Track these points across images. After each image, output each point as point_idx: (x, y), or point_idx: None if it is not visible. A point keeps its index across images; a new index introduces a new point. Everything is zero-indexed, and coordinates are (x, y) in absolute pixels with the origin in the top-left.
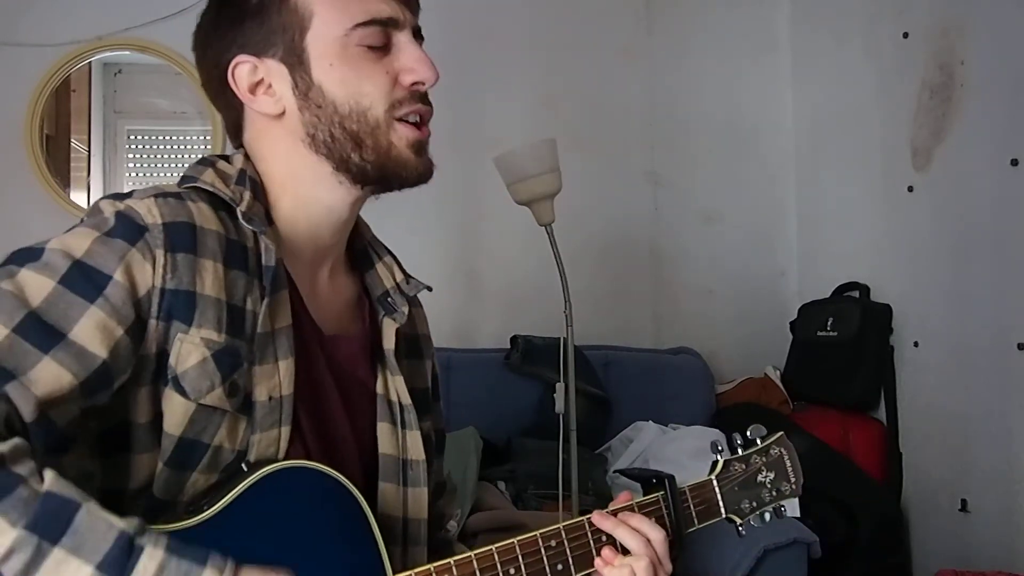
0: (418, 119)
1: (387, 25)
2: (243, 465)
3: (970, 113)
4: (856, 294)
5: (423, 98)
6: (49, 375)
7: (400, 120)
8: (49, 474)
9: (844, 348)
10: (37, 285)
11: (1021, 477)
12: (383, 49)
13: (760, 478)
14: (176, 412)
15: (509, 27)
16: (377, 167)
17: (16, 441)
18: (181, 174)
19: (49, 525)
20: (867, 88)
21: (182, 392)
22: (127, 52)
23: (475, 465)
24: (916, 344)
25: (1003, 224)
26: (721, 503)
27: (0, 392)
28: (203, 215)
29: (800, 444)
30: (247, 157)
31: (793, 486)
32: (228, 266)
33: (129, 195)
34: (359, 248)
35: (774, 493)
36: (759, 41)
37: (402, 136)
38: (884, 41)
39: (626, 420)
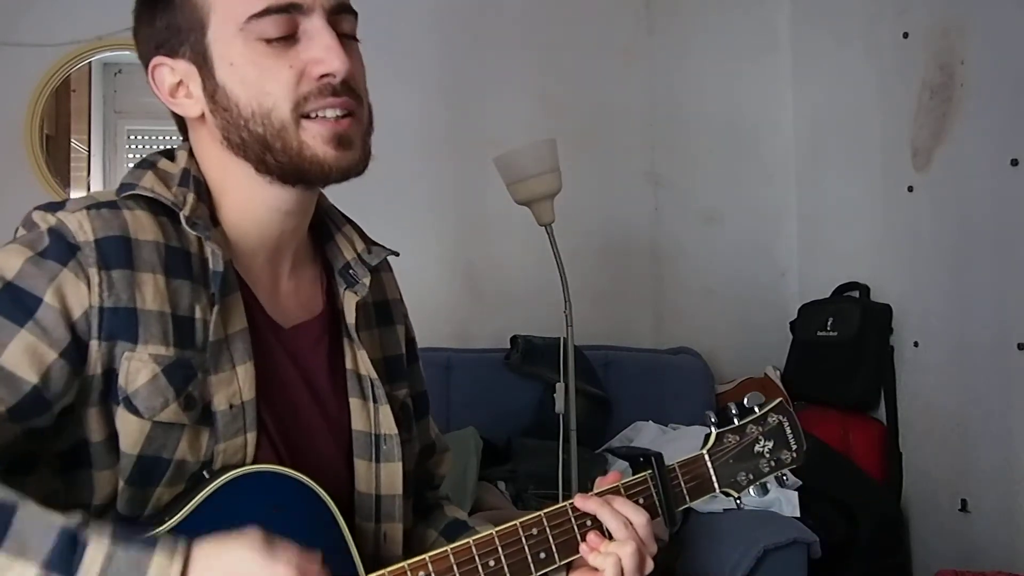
0: (337, 113)
1: (289, 11)
2: (204, 473)
3: (970, 113)
4: (856, 294)
5: (339, 90)
6: None
7: (308, 117)
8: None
9: (844, 348)
10: None
11: (1021, 477)
12: (288, 40)
13: (757, 448)
14: (131, 431)
15: (509, 27)
16: (293, 168)
17: None
18: (121, 179)
19: None
20: (867, 88)
21: (135, 411)
22: (127, 52)
23: (475, 465)
24: (916, 344)
25: (1003, 224)
26: (714, 478)
27: None
28: (139, 224)
29: None
30: (191, 154)
31: (795, 453)
32: (170, 276)
33: (62, 205)
34: (315, 222)
35: (773, 463)
36: (759, 41)
37: (314, 134)
38: (884, 41)
39: (626, 420)
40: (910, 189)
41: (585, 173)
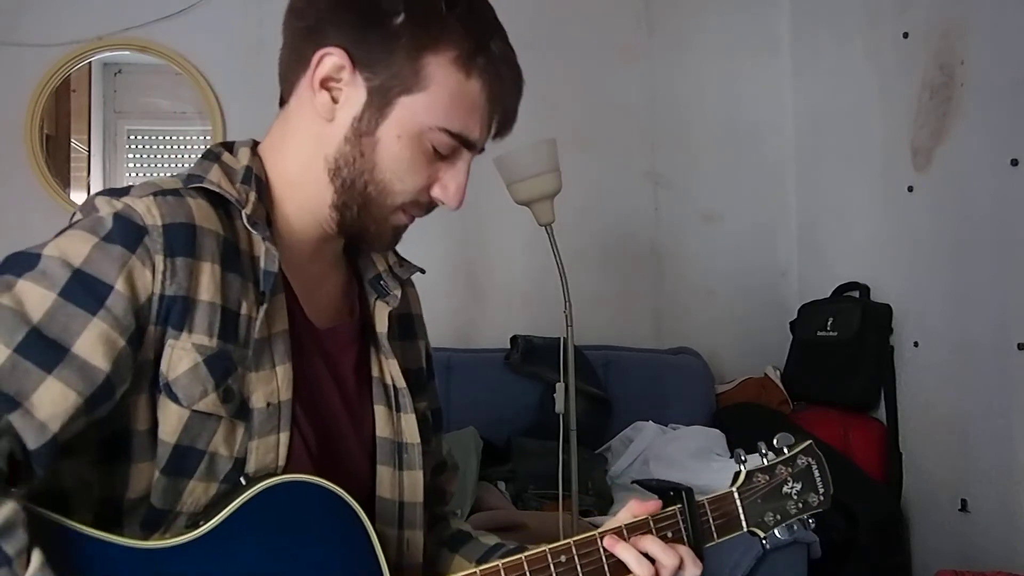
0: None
1: (464, 144)
2: (241, 479)
3: (970, 113)
4: (856, 294)
5: (431, 209)
6: (54, 395)
7: (403, 210)
8: (36, 558)
9: (844, 348)
10: (37, 297)
11: (1021, 477)
12: (442, 156)
13: (786, 489)
14: (171, 419)
15: (509, 27)
16: (362, 229)
17: (9, 511)
18: (188, 170)
19: None
20: (867, 88)
21: (175, 399)
22: (127, 52)
23: (475, 465)
24: (916, 344)
25: (1003, 224)
26: (743, 516)
27: (3, 423)
28: (202, 214)
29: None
30: (255, 151)
31: (821, 497)
32: (225, 268)
33: (126, 191)
34: None
35: (800, 505)
36: (759, 41)
37: (398, 219)
38: (884, 41)
39: (626, 420)
40: (910, 189)
41: (585, 173)
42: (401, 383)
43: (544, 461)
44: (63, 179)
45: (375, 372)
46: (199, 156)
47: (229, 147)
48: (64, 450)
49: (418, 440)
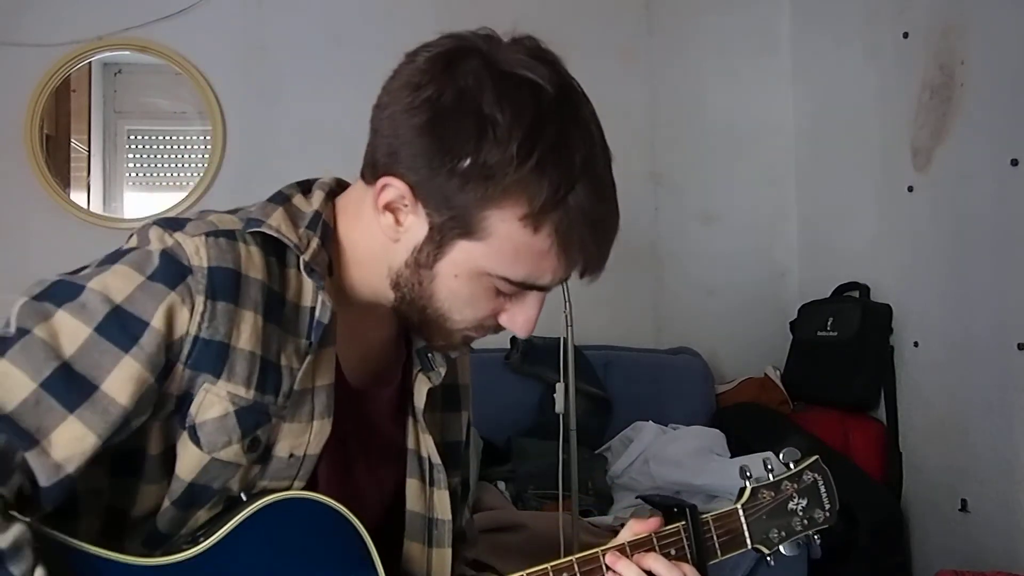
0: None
1: (531, 288)
2: (241, 495)
3: (970, 113)
4: (856, 294)
5: (498, 331)
6: (72, 436)
7: (467, 335)
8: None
9: (844, 348)
10: (71, 331)
11: (1021, 477)
12: (506, 293)
13: (791, 506)
14: (190, 460)
15: (509, 27)
16: (426, 334)
17: (16, 533)
18: (252, 209)
19: None
20: (867, 88)
21: (197, 442)
22: (127, 52)
23: (475, 465)
24: (916, 344)
25: (1003, 224)
26: (747, 533)
27: (18, 459)
28: (251, 261)
29: (800, 444)
30: (328, 196)
31: (827, 513)
32: (267, 319)
33: (182, 225)
34: None
35: (806, 521)
36: (759, 42)
37: (465, 338)
38: (884, 41)
39: (626, 420)
40: (910, 189)
41: None
42: (436, 459)
43: (544, 461)
44: (63, 179)
45: (411, 444)
46: (271, 195)
47: (304, 187)
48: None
49: (450, 517)
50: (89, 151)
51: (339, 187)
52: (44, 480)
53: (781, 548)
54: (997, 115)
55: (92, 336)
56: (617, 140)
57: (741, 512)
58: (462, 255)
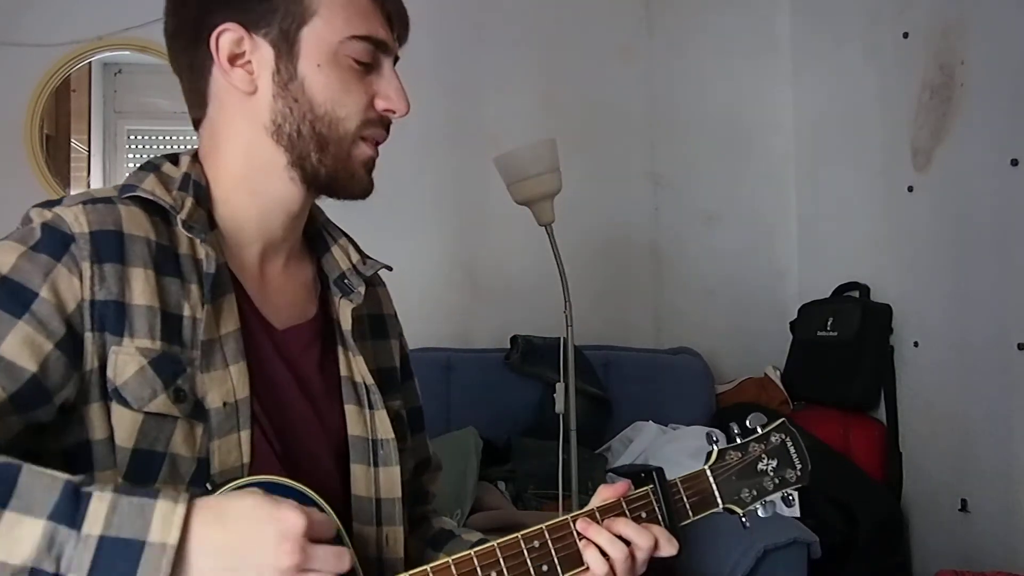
0: (378, 143)
1: (377, 47)
2: (207, 484)
3: (970, 113)
4: (856, 294)
5: (387, 125)
6: None
7: (363, 139)
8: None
9: (844, 348)
10: None
11: (1021, 477)
12: (367, 67)
13: (761, 466)
14: (125, 424)
15: (509, 27)
16: (330, 173)
17: None
18: (125, 180)
19: None
20: (867, 88)
21: (124, 403)
22: (127, 52)
23: (475, 465)
24: (916, 344)
25: (1003, 224)
26: (717, 493)
27: None
28: (133, 220)
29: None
30: (195, 157)
31: (799, 472)
32: (160, 272)
33: (59, 202)
34: (312, 233)
35: (777, 481)
36: (759, 41)
37: (361, 153)
38: (884, 41)
39: (626, 420)
40: (910, 189)
41: (585, 173)
42: (370, 380)
43: (544, 461)
44: (63, 179)
45: (343, 371)
46: (137, 167)
47: (172, 158)
48: (26, 459)
49: (392, 436)
50: (89, 151)
51: (197, 152)
52: None
53: (756, 509)
54: (997, 115)
55: None
56: (617, 140)
57: (709, 473)
58: (312, 42)
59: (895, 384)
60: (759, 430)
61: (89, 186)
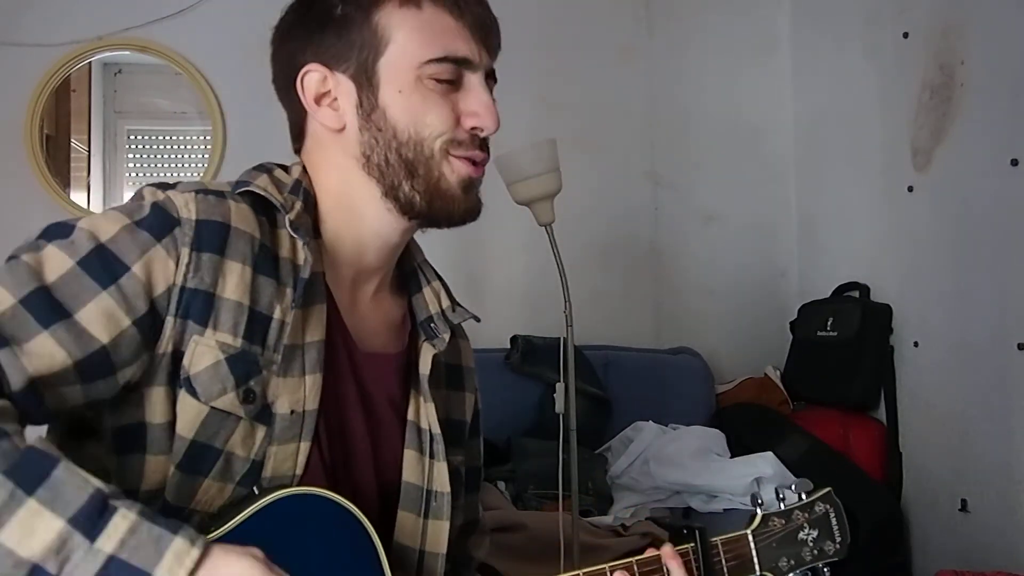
0: (476, 161)
1: (460, 64)
2: (254, 488)
3: (970, 113)
4: (856, 294)
5: (482, 144)
6: (44, 350)
7: (455, 156)
8: (33, 435)
9: (844, 348)
10: (57, 262)
11: (1021, 477)
12: (453, 84)
13: (801, 535)
14: (188, 414)
15: (509, 27)
16: (425, 199)
17: (3, 403)
18: (238, 177)
19: (27, 475)
20: (867, 88)
21: (193, 394)
22: (127, 52)
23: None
24: (916, 344)
25: (1003, 224)
26: (756, 559)
27: None
28: (241, 216)
29: (800, 444)
30: (305, 170)
31: (838, 546)
32: (257, 271)
33: (174, 186)
34: (408, 270)
35: (816, 552)
36: (759, 41)
37: (454, 170)
38: (884, 41)
39: (626, 420)
40: (910, 189)
41: (585, 173)
42: (436, 430)
43: (544, 461)
44: (63, 179)
45: (411, 415)
46: (251, 167)
47: (283, 166)
48: (80, 432)
49: (448, 490)
50: (89, 151)
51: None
52: (14, 384)
53: None
54: (997, 115)
55: (74, 268)
56: (617, 140)
57: (751, 537)
58: (389, 71)
59: (895, 384)
60: (804, 497)
61: (89, 187)
